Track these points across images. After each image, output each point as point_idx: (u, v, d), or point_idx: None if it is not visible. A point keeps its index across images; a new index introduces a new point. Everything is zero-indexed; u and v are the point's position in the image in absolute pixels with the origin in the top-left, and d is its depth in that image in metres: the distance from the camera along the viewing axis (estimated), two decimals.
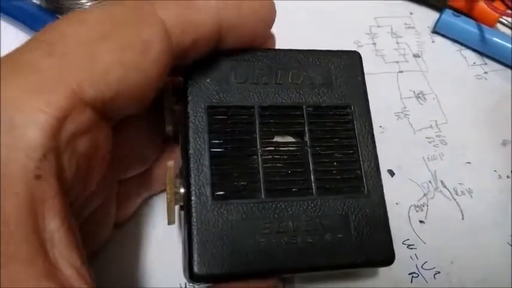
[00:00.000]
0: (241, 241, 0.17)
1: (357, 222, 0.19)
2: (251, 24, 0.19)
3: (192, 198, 0.17)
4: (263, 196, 0.18)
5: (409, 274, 0.23)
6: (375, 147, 0.20)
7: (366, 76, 0.30)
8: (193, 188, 0.18)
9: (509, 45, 0.33)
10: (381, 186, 0.20)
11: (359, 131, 0.20)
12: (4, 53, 0.15)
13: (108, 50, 0.15)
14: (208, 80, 0.19)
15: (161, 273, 0.22)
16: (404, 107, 0.30)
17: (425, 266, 0.24)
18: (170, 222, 0.19)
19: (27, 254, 0.13)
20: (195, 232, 0.17)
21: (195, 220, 0.17)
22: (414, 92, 0.31)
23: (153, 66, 0.16)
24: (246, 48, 0.20)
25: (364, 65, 0.29)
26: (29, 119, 0.14)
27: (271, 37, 0.22)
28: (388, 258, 0.19)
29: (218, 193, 0.18)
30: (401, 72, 0.32)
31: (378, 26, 0.35)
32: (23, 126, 0.14)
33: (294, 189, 0.19)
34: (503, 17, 0.34)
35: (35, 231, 0.13)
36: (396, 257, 0.23)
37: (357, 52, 0.22)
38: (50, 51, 0.15)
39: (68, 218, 0.14)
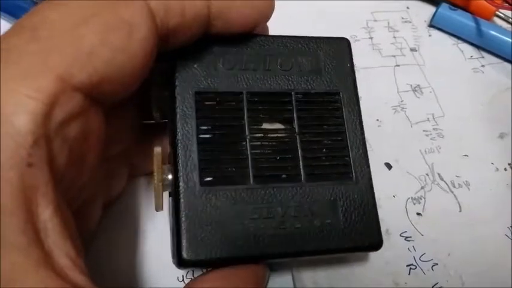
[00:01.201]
0: (229, 226, 0.17)
1: (345, 208, 0.19)
2: (244, 9, 0.19)
3: (180, 184, 0.17)
4: (251, 182, 0.18)
5: (407, 266, 0.23)
6: (363, 134, 0.20)
7: (362, 70, 0.31)
8: (181, 173, 0.17)
9: (506, 39, 0.33)
10: (369, 172, 0.20)
11: (347, 118, 0.20)
12: None
13: (92, 32, 0.15)
14: (196, 66, 0.19)
15: (157, 266, 0.22)
16: (401, 101, 0.30)
17: (423, 258, 0.24)
18: (158, 208, 0.19)
19: (24, 244, 0.13)
20: (183, 218, 0.17)
21: (182, 206, 0.17)
22: (411, 85, 0.31)
23: (139, 48, 0.16)
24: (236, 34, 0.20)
25: (360, 59, 0.29)
26: (17, 106, 0.14)
27: (264, 26, 0.22)
28: (375, 243, 0.19)
29: (206, 179, 0.18)
30: (398, 66, 0.32)
31: (375, 20, 0.35)
32: (11, 113, 0.13)
33: (282, 176, 0.19)
34: (500, 10, 0.34)
35: (30, 220, 0.13)
36: (394, 249, 0.24)
37: (346, 38, 0.22)
38: (34, 36, 0.15)
39: (61, 207, 0.14)
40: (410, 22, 0.35)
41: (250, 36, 0.20)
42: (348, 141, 0.20)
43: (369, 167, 0.20)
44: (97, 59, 0.15)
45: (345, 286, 0.22)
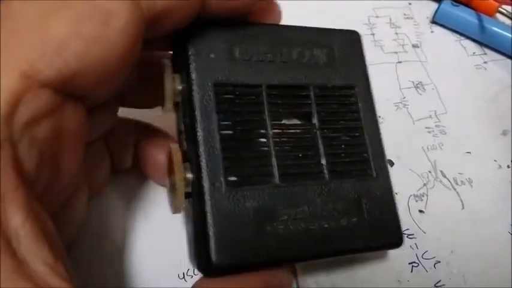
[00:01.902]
0: (260, 228, 0.16)
1: (369, 206, 0.18)
2: None
3: (204, 184, 0.16)
4: (277, 181, 0.17)
5: (409, 263, 0.23)
6: (379, 129, 0.20)
7: None
8: (204, 172, 0.16)
9: (509, 35, 0.32)
10: (387, 168, 0.19)
11: (363, 113, 0.20)
12: None
13: (62, 23, 0.14)
14: (212, 56, 0.18)
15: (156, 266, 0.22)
16: (404, 97, 0.30)
17: (425, 256, 0.24)
18: (177, 210, 0.17)
19: None
20: (210, 220, 0.16)
21: (209, 207, 0.16)
22: (413, 82, 0.31)
23: (118, 38, 0.14)
24: (246, 21, 0.19)
25: None
26: None
27: (274, 11, 0.20)
28: (397, 240, 0.19)
29: (231, 178, 0.16)
30: (400, 62, 0.32)
31: (377, 17, 0.34)
32: None
33: (306, 173, 0.18)
34: (503, 6, 0.33)
35: None
36: None
37: (357, 31, 0.21)
38: None
39: (35, 211, 0.13)
40: (412, 18, 0.35)
41: (262, 24, 0.19)
42: (366, 136, 0.19)
43: (386, 163, 0.19)
44: (68, 52, 0.14)
45: (347, 285, 0.22)
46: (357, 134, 0.19)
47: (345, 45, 0.20)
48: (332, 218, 0.17)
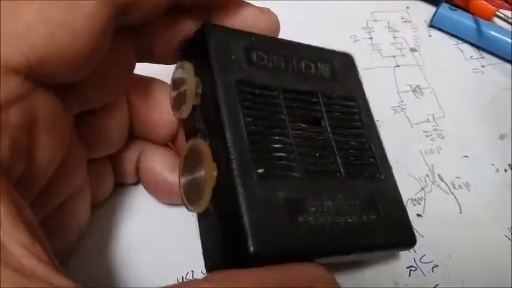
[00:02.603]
0: (292, 218, 0.16)
1: (383, 205, 0.19)
2: None
3: (235, 174, 0.16)
4: (300, 175, 0.17)
5: (407, 268, 0.23)
6: (380, 137, 0.21)
7: (362, 70, 0.30)
8: (235, 163, 0.16)
9: (507, 39, 0.33)
10: (392, 172, 0.20)
11: (365, 122, 0.21)
12: None
13: (29, 9, 0.14)
14: (233, 57, 0.18)
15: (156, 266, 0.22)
16: (401, 101, 0.30)
17: (423, 260, 0.24)
18: (200, 209, 0.17)
19: None
20: (244, 209, 0.15)
21: (242, 197, 0.15)
22: (411, 86, 0.31)
23: (85, 24, 0.14)
24: (257, 33, 0.20)
25: (360, 59, 0.29)
26: None
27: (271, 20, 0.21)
28: (411, 240, 0.19)
29: (259, 171, 0.16)
30: (398, 66, 0.32)
31: (375, 21, 0.34)
32: None
33: (325, 171, 0.18)
34: (500, 10, 0.34)
35: None
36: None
37: (350, 54, 0.23)
38: None
39: (10, 196, 0.13)
40: (410, 22, 0.35)
41: (274, 39, 0.20)
42: (371, 143, 0.20)
43: (391, 168, 0.21)
44: (34, 36, 0.13)
45: (344, 287, 0.22)
46: (363, 140, 0.20)
47: (343, 64, 0.22)
48: (354, 213, 0.18)
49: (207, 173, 0.16)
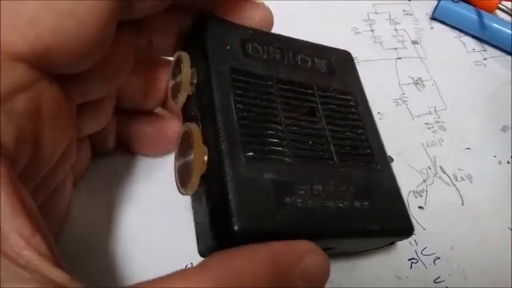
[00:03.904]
0: (279, 199, 0.16)
1: (378, 193, 0.19)
2: None
3: (224, 156, 0.16)
4: (291, 160, 0.17)
5: (409, 260, 0.23)
6: (378, 130, 0.21)
7: (364, 63, 0.30)
8: (224, 145, 0.16)
9: (509, 32, 0.32)
10: (389, 165, 0.21)
11: (363, 115, 0.21)
12: None
13: None
14: (228, 48, 0.19)
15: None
16: (403, 94, 0.30)
17: (424, 252, 0.23)
18: (190, 191, 0.17)
19: None
20: (230, 188, 0.16)
21: (229, 177, 0.16)
22: (413, 78, 0.31)
23: (90, 14, 0.14)
24: (252, 28, 0.20)
25: (362, 51, 0.29)
26: None
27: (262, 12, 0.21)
28: (408, 228, 0.20)
29: (248, 154, 0.17)
30: (400, 58, 0.32)
31: (376, 13, 0.34)
32: None
33: (317, 157, 0.18)
34: (503, 2, 0.33)
35: None
36: (395, 242, 0.23)
37: (349, 52, 0.24)
38: None
39: (12, 185, 0.13)
40: (411, 15, 0.35)
41: (271, 34, 0.21)
42: (367, 135, 0.21)
43: (388, 159, 0.21)
44: (40, 25, 0.14)
45: (345, 282, 0.22)
46: (359, 131, 0.21)
47: (341, 60, 0.23)
48: (346, 199, 0.18)
49: (196, 155, 0.17)
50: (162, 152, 0.24)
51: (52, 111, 0.15)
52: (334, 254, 0.22)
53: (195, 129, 0.17)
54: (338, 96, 0.21)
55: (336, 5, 0.33)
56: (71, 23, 0.14)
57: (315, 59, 0.21)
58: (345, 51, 0.23)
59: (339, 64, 0.22)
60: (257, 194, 0.16)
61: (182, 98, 0.19)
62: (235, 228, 0.15)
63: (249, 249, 0.14)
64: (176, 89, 0.19)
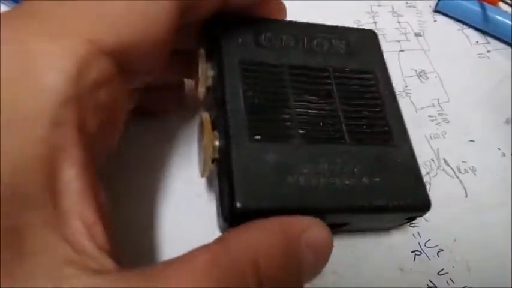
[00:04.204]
0: (280, 179, 0.17)
1: (391, 169, 0.19)
2: None
3: (231, 141, 0.18)
4: (298, 141, 0.19)
5: (412, 252, 0.23)
6: (398, 106, 0.21)
7: None
8: (231, 131, 0.18)
9: None
10: (409, 140, 0.20)
11: (383, 93, 0.21)
12: None
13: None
14: (240, 40, 0.20)
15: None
16: (406, 86, 0.30)
17: (428, 244, 0.23)
18: (204, 173, 0.19)
19: (40, 202, 0.13)
20: (235, 170, 0.17)
21: (234, 160, 0.17)
22: (416, 70, 0.30)
23: (164, 15, 0.16)
24: (268, 18, 0.21)
25: None
26: (50, 64, 0.13)
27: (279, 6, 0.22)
28: (424, 203, 0.19)
29: (255, 137, 0.18)
30: (403, 51, 0.31)
31: (379, 5, 0.34)
32: (43, 71, 0.13)
33: (327, 138, 0.19)
34: None
35: (50, 178, 0.13)
36: (399, 234, 0.23)
37: (373, 30, 0.24)
38: (61, 1, 0.15)
39: (88, 171, 0.14)
40: (415, 7, 0.34)
41: (286, 21, 0.22)
42: (387, 112, 0.21)
43: (408, 135, 0.20)
44: (122, 24, 0.15)
45: (348, 273, 0.22)
46: (377, 109, 0.21)
47: (362, 40, 0.23)
48: (353, 176, 0.18)
49: (206, 141, 0.18)
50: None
51: (120, 106, 0.16)
52: (351, 231, 0.22)
53: (205, 118, 0.19)
54: (355, 76, 0.21)
55: None
56: (148, 24, 0.16)
57: (333, 41, 0.22)
58: (369, 30, 0.24)
59: (360, 43, 0.22)
60: (260, 174, 0.17)
61: (201, 90, 0.21)
62: (238, 205, 0.16)
63: (260, 223, 0.16)
64: (197, 83, 0.21)
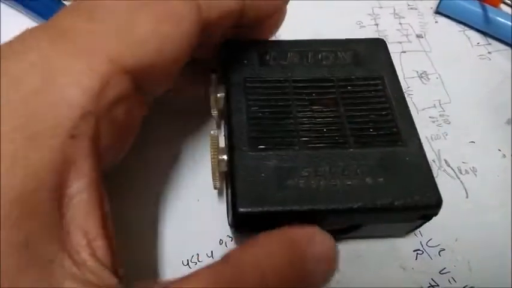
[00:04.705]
0: (280, 182, 0.18)
1: (398, 168, 0.19)
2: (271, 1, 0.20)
3: (234, 148, 0.19)
4: (299, 148, 0.19)
5: (414, 251, 0.23)
6: (408, 107, 0.21)
7: None
8: (235, 143, 0.19)
9: None
10: (419, 139, 0.20)
11: (392, 97, 0.21)
12: None
13: (145, 20, 0.16)
14: (245, 61, 0.22)
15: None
16: (408, 87, 0.30)
17: (429, 243, 0.24)
18: (215, 186, 0.21)
19: (47, 212, 0.13)
20: (237, 178, 0.18)
21: (236, 168, 0.19)
22: (417, 71, 0.31)
23: (185, 38, 0.17)
24: (273, 40, 0.23)
25: None
26: (71, 79, 0.14)
27: (283, 12, 0.23)
28: (434, 201, 0.19)
29: (257, 146, 0.19)
30: (404, 52, 0.32)
31: (380, 7, 0.34)
32: (64, 84, 0.14)
33: (330, 143, 0.20)
34: None
35: (59, 189, 0.13)
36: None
37: (383, 39, 0.24)
38: (89, 18, 0.15)
39: (96, 185, 0.14)
40: (416, 9, 0.35)
41: (292, 41, 0.23)
42: (395, 115, 0.21)
43: (417, 134, 0.20)
44: (149, 46, 0.16)
45: (351, 270, 0.22)
46: (385, 113, 0.21)
47: (369, 48, 0.23)
48: (355, 177, 0.19)
49: (213, 155, 0.20)
50: None
51: (134, 123, 0.17)
52: (366, 237, 0.23)
53: (213, 134, 0.21)
54: (361, 82, 0.22)
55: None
56: (171, 47, 0.16)
57: (338, 53, 0.23)
58: (378, 39, 0.24)
59: (367, 52, 0.23)
60: (261, 179, 0.18)
61: (214, 111, 0.23)
62: (240, 210, 0.17)
63: (264, 237, 0.16)
64: (210, 106, 0.23)
